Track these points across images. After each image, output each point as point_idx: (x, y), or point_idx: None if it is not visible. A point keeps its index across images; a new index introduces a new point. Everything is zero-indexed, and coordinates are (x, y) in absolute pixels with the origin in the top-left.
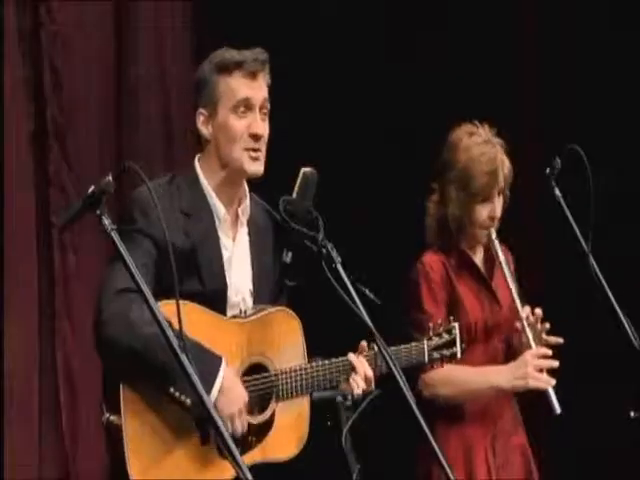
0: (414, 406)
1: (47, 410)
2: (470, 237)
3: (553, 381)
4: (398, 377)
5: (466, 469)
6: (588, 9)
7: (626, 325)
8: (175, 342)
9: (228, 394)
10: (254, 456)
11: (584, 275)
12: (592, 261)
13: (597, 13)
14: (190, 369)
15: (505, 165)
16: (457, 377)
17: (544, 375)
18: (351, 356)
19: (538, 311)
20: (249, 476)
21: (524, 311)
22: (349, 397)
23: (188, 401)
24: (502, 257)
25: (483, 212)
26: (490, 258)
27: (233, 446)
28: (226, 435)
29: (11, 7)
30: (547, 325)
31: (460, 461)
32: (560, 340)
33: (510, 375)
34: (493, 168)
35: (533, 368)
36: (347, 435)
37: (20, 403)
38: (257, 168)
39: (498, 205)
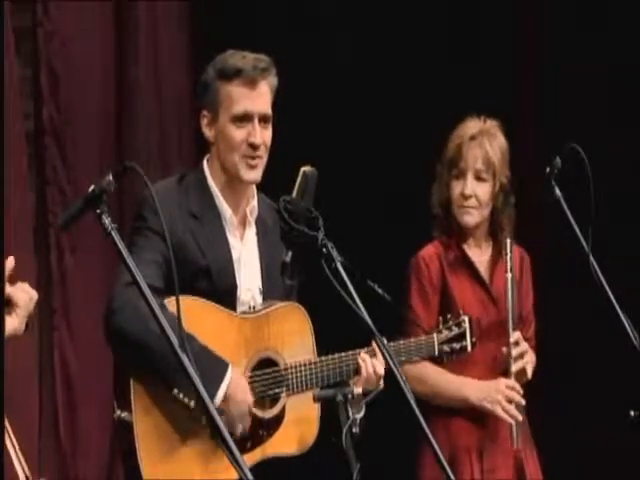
0: (414, 405)
1: (47, 410)
2: (459, 222)
3: (519, 417)
4: (398, 376)
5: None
6: (588, 9)
7: (626, 325)
8: (176, 342)
9: (232, 399)
10: (265, 450)
11: (584, 275)
12: (592, 261)
13: (597, 13)
14: (191, 369)
15: (482, 147)
16: (433, 378)
17: (513, 408)
18: (359, 358)
19: (526, 346)
20: (250, 478)
21: (513, 336)
22: (349, 396)
23: (192, 403)
24: (509, 271)
25: (456, 189)
26: (496, 258)
27: (235, 449)
28: (228, 438)
29: (9, 7)
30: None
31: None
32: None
33: (482, 394)
34: (459, 142)
35: (504, 397)
36: (347, 435)
37: (20, 403)
38: (254, 176)
39: (473, 185)
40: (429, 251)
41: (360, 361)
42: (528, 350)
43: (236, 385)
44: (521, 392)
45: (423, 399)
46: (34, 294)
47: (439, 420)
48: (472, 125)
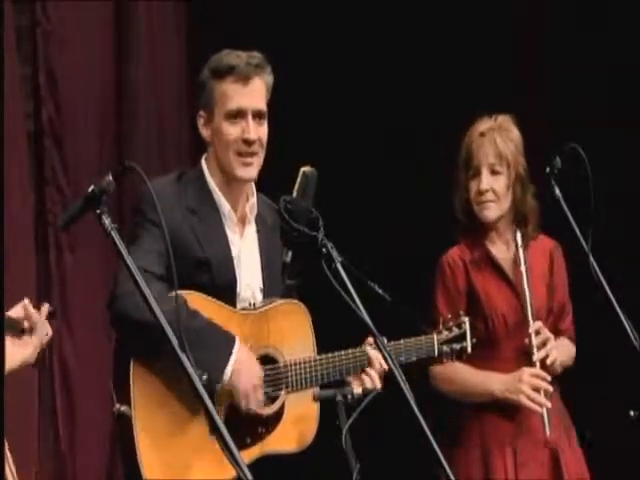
0: (414, 405)
1: (46, 409)
2: (482, 223)
3: (548, 404)
4: (398, 376)
5: (483, 467)
6: (588, 9)
7: (626, 325)
8: (174, 340)
9: (243, 371)
10: (263, 447)
11: (584, 275)
12: (592, 261)
13: (597, 13)
14: (190, 369)
15: (492, 142)
16: (458, 376)
17: (540, 396)
18: (369, 349)
19: (548, 334)
20: (248, 475)
21: (534, 326)
22: (349, 396)
23: (204, 377)
24: (523, 264)
25: (474, 187)
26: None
27: (233, 446)
28: (226, 435)
29: (8, 6)
30: (552, 355)
31: (477, 458)
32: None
33: (505, 385)
34: (470, 141)
35: (528, 386)
36: (347, 435)
37: (19, 403)
38: (249, 174)
39: (488, 180)
40: (453, 254)
41: (370, 354)
42: (550, 338)
43: (245, 357)
44: (548, 379)
45: (455, 399)
46: (50, 330)
47: (473, 415)
48: (482, 124)
